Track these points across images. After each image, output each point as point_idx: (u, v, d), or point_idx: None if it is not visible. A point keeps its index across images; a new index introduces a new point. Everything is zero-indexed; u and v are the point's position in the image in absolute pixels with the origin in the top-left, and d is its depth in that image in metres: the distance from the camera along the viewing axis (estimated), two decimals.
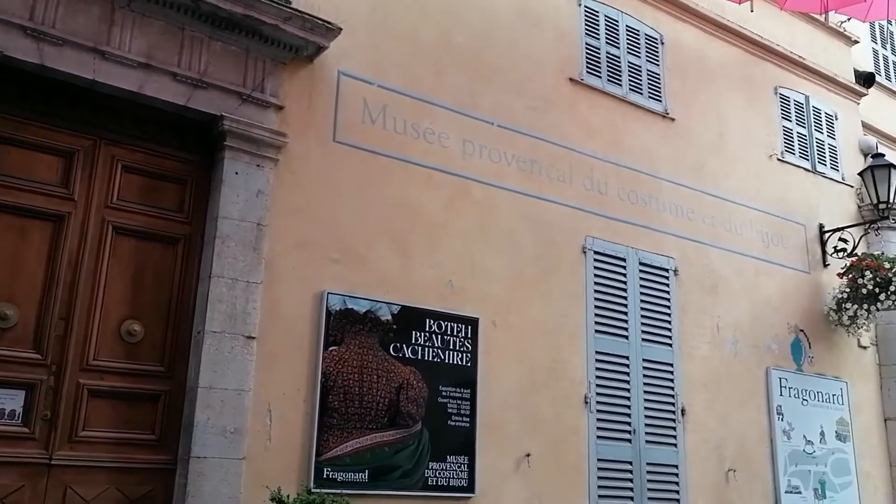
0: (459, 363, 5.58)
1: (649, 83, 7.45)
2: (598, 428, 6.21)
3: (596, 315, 6.45)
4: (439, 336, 5.53)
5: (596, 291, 6.51)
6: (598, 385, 6.30)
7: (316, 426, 4.87)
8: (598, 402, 6.26)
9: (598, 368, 6.33)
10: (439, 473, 5.31)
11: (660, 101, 7.47)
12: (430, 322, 5.51)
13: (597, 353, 6.36)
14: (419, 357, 5.40)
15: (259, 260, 4.88)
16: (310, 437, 4.85)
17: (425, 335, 5.47)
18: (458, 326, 5.63)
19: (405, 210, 5.63)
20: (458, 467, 5.40)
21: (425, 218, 5.71)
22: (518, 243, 6.18)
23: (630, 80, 7.30)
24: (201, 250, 4.88)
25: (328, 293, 5.10)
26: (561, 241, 6.43)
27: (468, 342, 5.66)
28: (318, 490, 4.60)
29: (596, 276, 6.55)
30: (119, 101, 4.70)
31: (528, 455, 5.79)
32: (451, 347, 5.57)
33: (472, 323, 5.71)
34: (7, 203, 4.36)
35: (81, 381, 4.40)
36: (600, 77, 7.11)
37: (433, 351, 5.48)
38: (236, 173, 4.93)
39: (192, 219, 4.94)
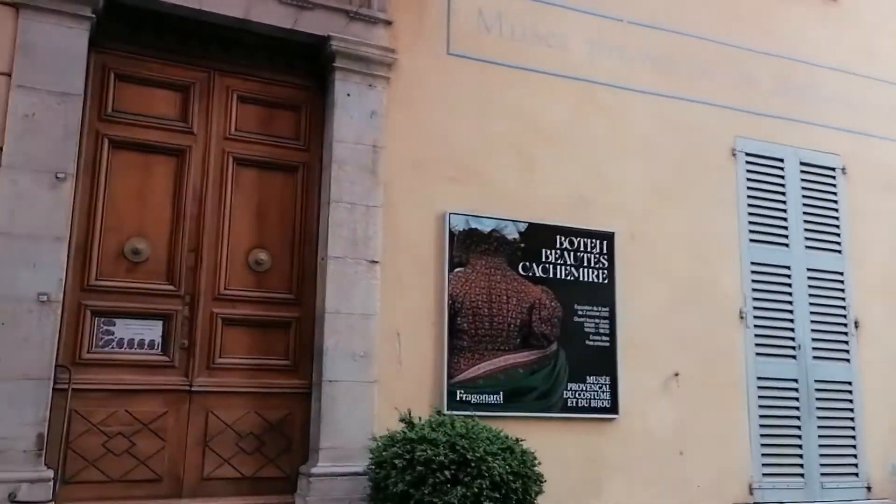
0: (595, 281, 5.25)
1: None
2: (757, 344, 5.72)
3: (750, 223, 5.88)
4: (571, 253, 5.21)
5: (749, 197, 5.92)
6: (754, 298, 5.77)
7: (446, 349, 4.75)
8: (755, 317, 5.74)
9: (754, 280, 5.79)
10: (579, 395, 5.06)
11: None
12: (560, 239, 5.19)
13: (752, 263, 5.81)
14: (551, 276, 5.13)
15: (377, 183, 4.76)
16: (440, 359, 4.75)
17: (556, 252, 5.17)
18: (591, 242, 5.29)
19: (528, 121, 5.29)
20: (600, 388, 5.13)
21: (550, 128, 5.35)
22: (655, 149, 5.68)
23: None
24: (320, 176, 4.83)
25: (450, 213, 4.90)
26: (705, 144, 5.86)
27: (604, 258, 5.30)
28: (451, 412, 4.51)
29: (749, 179, 5.94)
30: (227, 30, 4.67)
31: (677, 374, 5.41)
32: (586, 264, 5.24)
33: (608, 238, 5.34)
34: (131, 139, 4.47)
35: (215, 311, 4.50)
36: None
37: (566, 269, 5.18)
38: (348, 95, 4.79)
39: (310, 145, 4.87)
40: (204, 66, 4.68)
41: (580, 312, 5.17)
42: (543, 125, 5.34)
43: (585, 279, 5.22)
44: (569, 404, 5.02)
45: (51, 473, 3.84)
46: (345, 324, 4.55)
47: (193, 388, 4.38)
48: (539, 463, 4.15)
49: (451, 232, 4.88)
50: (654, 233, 5.55)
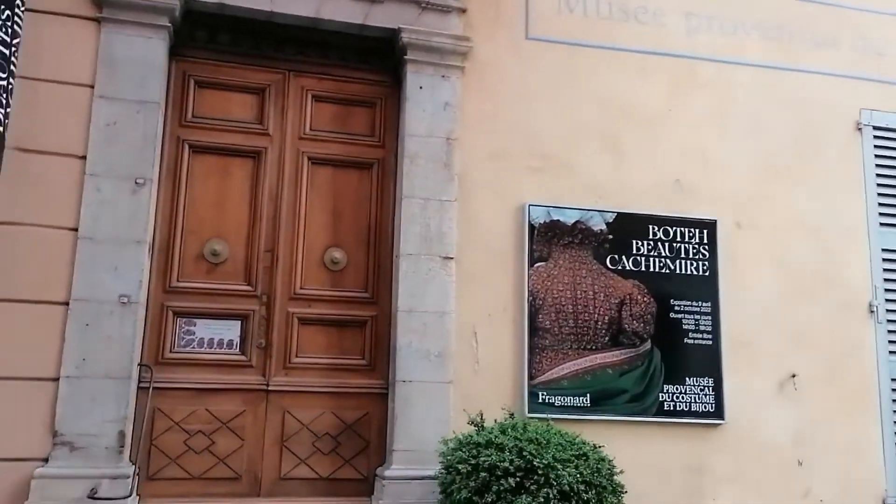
0: (695, 273, 4.84)
1: None
2: (891, 341, 5.07)
3: (880, 205, 5.25)
4: (667, 244, 4.82)
5: (878, 176, 5.28)
6: (887, 290, 5.13)
7: (526, 348, 4.52)
8: (888, 311, 5.10)
9: (886, 270, 5.16)
10: (677, 397, 4.67)
11: None
12: (653, 229, 4.82)
13: (883, 251, 5.18)
14: (643, 269, 4.76)
15: (451, 176, 4.60)
16: (520, 359, 4.52)
17: (649, 244, 4.80)
18: (690, 231, 4.87)
19: (616, 104, 4.95)
20: (702, 390, 4.71)
21: (641, 110, 4.98)
22: (764, 128, 5.17)
23: None
24: (395, 172, 4.73)
25: (529, 205, 4.66)
26: (824, 119, 5.27)
27: (704, 248, 4.87)
28: (532, 415, 4.28)
29: (878, 156, 5.30)
30: (299, 30, 4.66)
31: (794, 376, 4.89)
32: (683, 256, 4.84)
33: (709, 226, 4.90)
34: (210, 144, 4.55)
35: (291, 310, 4.50)
36: None
37: (660, 261, 4.80)
38: (420, 87, 4.67)
39: (384, 141, 4.79)
40: (278, 67, 4.70)
41: (677, 308, 4.77)
42: (635, 108, 4.98)
43: (683, 272, 4.82)
44: (665, 408, 4.65)
45: (130, 470, 3.96)
46: (419, 322, 4.42)
47: (270, 388, 4.40)
48: (620, 471, 3.82)
49: (530, 224, 4.64)
50: (765, 219, 5.05)
